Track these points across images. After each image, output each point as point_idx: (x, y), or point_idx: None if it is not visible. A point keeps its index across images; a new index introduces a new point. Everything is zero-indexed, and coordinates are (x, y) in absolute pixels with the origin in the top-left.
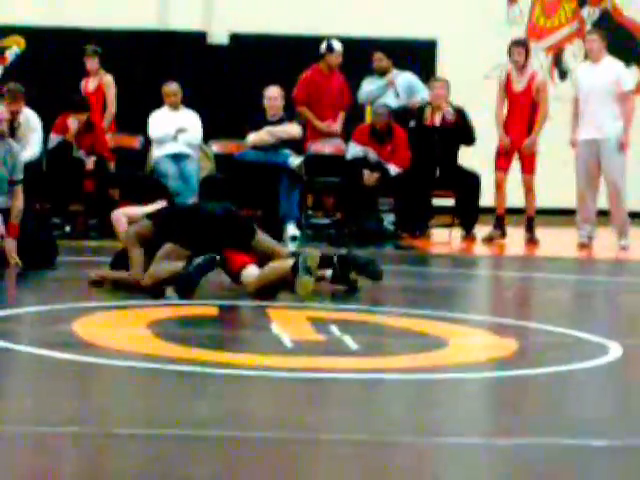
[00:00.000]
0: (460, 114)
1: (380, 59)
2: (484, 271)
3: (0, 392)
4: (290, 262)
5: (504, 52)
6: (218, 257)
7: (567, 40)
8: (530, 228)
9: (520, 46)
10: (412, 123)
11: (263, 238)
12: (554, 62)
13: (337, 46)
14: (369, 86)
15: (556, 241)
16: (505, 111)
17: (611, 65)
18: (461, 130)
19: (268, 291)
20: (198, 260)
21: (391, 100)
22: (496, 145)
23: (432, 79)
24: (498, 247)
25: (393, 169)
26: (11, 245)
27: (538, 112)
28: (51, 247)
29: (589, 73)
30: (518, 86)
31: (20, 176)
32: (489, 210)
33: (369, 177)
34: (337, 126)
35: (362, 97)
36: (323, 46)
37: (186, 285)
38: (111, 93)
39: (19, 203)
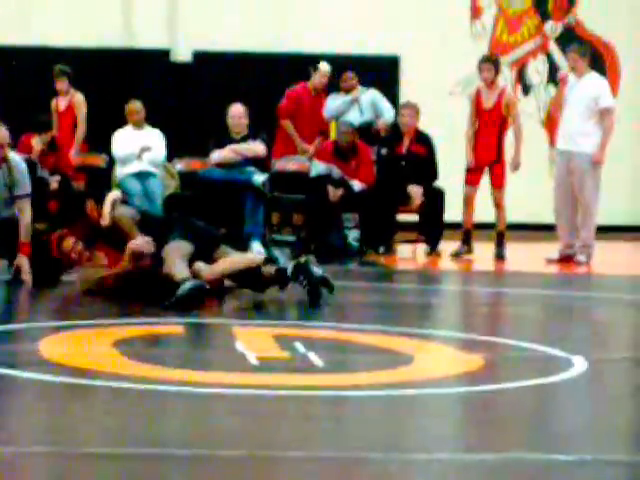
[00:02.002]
0: (427, 147)
1: (351, 78)
2: (450, 287)
3: None
4: (258, 257)
5: (468, 68)
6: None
7: (530, 55)
8: (500, 243)
9: (489, 63)
10: (384, 151)
11: (224, 249)
12: (517, 77)
13: (322, 67)
14: (334, 102)
15: (525, 256)
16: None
17: (592, 81)
18: (427, 163)
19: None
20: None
21: (355, 117)
22: (464, 161)
23: (401, 104)
24: (464, 263)
25: (357, 185)
26: (24, 262)
27: (507, 128)
28: (57, 265)
29: (572, 87)
30: (488, 103)
31: (23, 191)
32: (455, 225)
33: (333, 193)
34: (312, 149)
35: (327, 113)
36: (311, 68)
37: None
38: (82, 112)
39: (26, 218)
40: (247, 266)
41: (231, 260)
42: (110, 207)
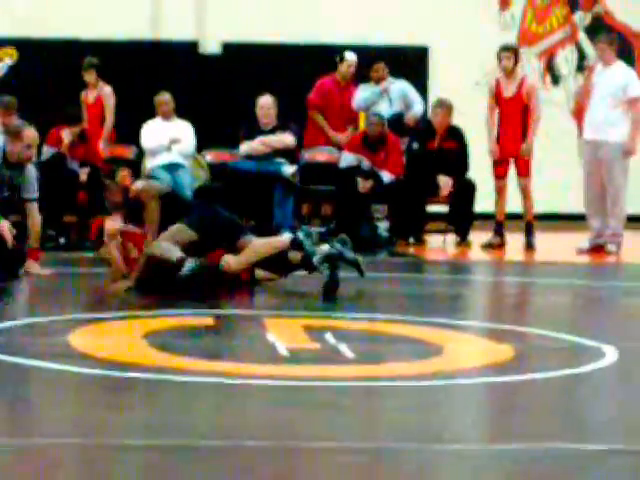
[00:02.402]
0: (459, 141)
1: (382, 69)
2: (480, 277)
3: None
4: (286, 238)
5: (496, 58)
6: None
7: (559, 45)
8: (529, 233)
9: (509, 51)
10: (415, 145)
11: (248, 238)
12: (546, 67)
13: (349, 57)
14: (364, 93)
15: (555, 246)
16: (497, 117)
17: (620, 70)
18: (458, 156)
19: (263, 265)
20: (188, 268)
21: (384, 108)
22: (489, 150)
23: (434, 103)
24: (494, 253)
25: (386, 176)
26: (35, 269)
27: (530, 116)
28: (17, 258)
29: (600, 76)
30: (508, 92)
31: (31, 194)
32: (485, 216)
33: (363, 185)
34: (344, 138)
35: (357, 104)
36: (337, 57)
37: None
38: (110, 104)
39: (35, 223)
40: (275, 250)
41: (258, 246)
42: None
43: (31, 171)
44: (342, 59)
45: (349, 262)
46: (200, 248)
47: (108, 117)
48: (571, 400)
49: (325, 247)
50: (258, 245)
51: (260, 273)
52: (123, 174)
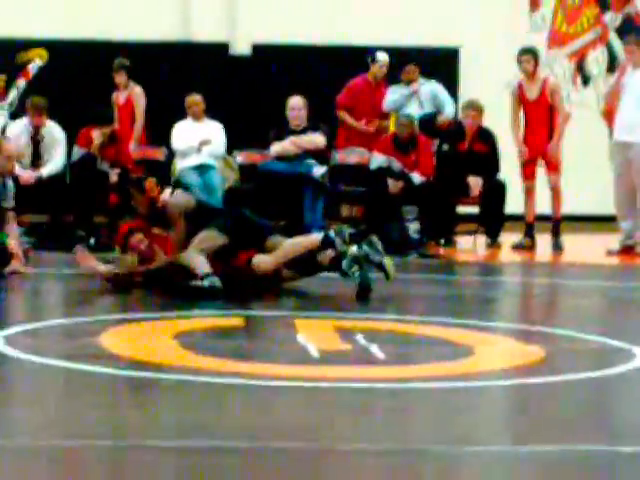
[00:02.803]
0: (490, 143)
1: (413, 71)
2: (510, 278)
3: (28, 405)
4: (318, 236)
5: None
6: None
7: (590, 46)
8: (556, 232)
9: (528, 54)
10: (445, 147)
11: (276, 239)
12: (577, 68)
13: (380, 57)
14: (394, 95)
15: (585, 247)
16: (523, 120)
17: None
18: (488, 157)
19: (291, 264)
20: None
21: (415, 109)
22: (518, 151)
23: (464, 104)
24: (525, 254)
25: (417, 178)
26: (21, 268)
27: (556, 116)
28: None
29: (630, 77)
30: (531, 94)
31: (10, 204)
32: (515, 217)
33: (393, 186)
34: (372, 129)
35: (387, 105)
36: (369, 58)
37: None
38: (140, 106)
39: (14, 230)
40: (305, 249)
41: (288, 246)
42: (169, 193)
43: (11, 182)
44: (374, 60)
45: (375, 265)
46: (230, 250)
47: (138, 118)
48: (601, 402)
49: (353, 249)
50: (289, 245)
51: (286, 272)
52: (149, 185)
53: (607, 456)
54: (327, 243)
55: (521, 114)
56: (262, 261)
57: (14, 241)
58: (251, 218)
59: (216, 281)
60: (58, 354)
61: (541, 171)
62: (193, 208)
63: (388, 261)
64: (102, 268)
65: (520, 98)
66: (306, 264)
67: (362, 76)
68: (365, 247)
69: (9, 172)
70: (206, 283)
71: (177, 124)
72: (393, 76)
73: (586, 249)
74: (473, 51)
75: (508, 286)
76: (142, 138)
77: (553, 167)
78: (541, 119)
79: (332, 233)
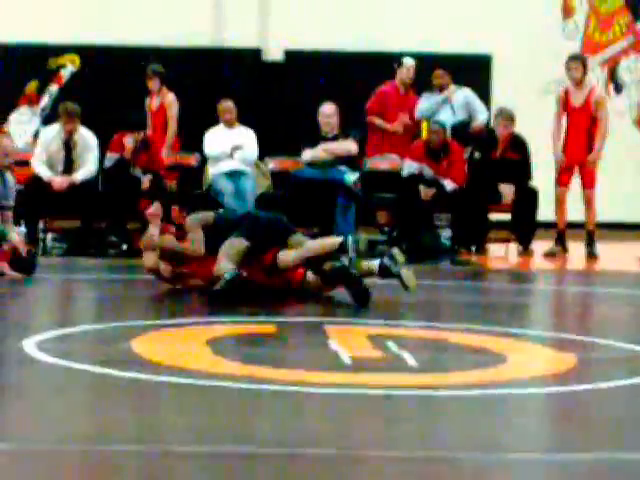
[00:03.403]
0: (522, 151)
1: (442, 76)
2: (542, 286)
3: (60, 411)
4: (338, 239)
5: (560, 67)
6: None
7: (622, 54)
8: (590, 242)
9: (577, 61)
10: (477, 155)
11: (300, 237)
12: (609, 76)
13: (407, 61)
14: (426, 102)
15: (619, 255)
16: (565, 127)
17: None
18: (520, 165)
19: (312, 264)
20: (226, 277)
21: (447, 116)
22: (554, 159)
23: (496, 112)
24: (557, 262)
25: (449, 185)
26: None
27: (597, 127)
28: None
29: None
30: (577, 101)
31: (10, 202)
32: (547, 225)
33: (425, 193)
34: (401, 129)
35: (419, 113)
36: (395, 64)
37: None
38: (173, 111)
39: (12, 227)
40: (325, 250)
41: (311, 244)
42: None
43: (12, 181)
44: (400, 65)
45: (395, 276)
46: (253, 252)
47: (171, 124)
48: (634, 410)
49: (374, 261)
50: (311, 243)
51: (312, 280)
52: (175, 214)
53: (639, 465)
54: (342, 249)
55: (563, 121)
56: (285, 255)
57: (15, 234)
58: (270, 218)
59: (236, 272)
60: (89, 359)
61: (575, 179)
62: (212, 224)
63: (407, 272)
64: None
65: (565, 105)
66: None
67: (390, 83)
68: (386, 260)
69: (4, 167)
70: (227, 276)
71: (210, 130)
72: (426, 83)
73: (619, 257)
74: (506, 58)
75: (540, 293)
76: (175, 144)
77: (588, 182)
78: (582, 127)
79: (350, 239)
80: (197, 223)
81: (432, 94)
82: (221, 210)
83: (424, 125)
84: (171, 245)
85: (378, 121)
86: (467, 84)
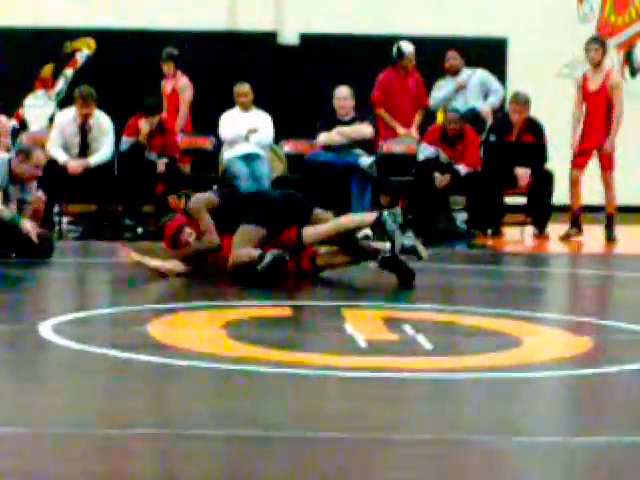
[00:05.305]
0: (538, 135)
1: (454, 58)
2: (559, 269)
3: (76, 394)
4: (372, 214)
5: (575, 50)
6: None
7: (638, 37)
8: (609, 226)
9: (596, 43)
10: (492, 138)
11: (321, 212)
12: (625, 59)
13: (407, 50)
14: (440, 92)
15: (636, 239)
16: (583, 112)
17: None
18: (536, 148)
19: (338, 240)
20: (269, 257)
21: (461, 103)
22: (571, 143)
23: (512, 97)
24: (573, 245)
25: (463, 169)
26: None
27: (613, 111)
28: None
29: None
30: (594, 85)
31: (28, 197)
32: (564, 208)
33: (441, 180)
34: (413, 131)
35: (434, 103)
36: (394, 51)
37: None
38: (185, 95)
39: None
40: (357, 225)
41: (339, 219)
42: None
43: (34, 187)
44: (401, 55)
45: (408, 250)
46: (271, 234)
47: (182, 108)
48: None
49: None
50: (340, 219)
51: (324, 258)
52: (172, 202)
53: None
54: (379, 224)
55: (583, 108)
56: (312, 231)
57: (27, 220)
58: (285, 196)
59: (279, 253)
60: (105, 343)
61: (592, 163)
62: (219, 204)
63: (418, 243)
64: (153, 263)
65: (583, 88)
66: (350, 248)
67: (389, 69)
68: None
69: (33, 178)
70: (268, 257)
71: (225, 113)
72: (438, 67)
73: (636, 240)
74: (521, 41)
75: (556, 277)
76: (189, 127)
77: (607, 165)
78: (600, 111)
79: (386, 214)
80: (201, 206)
81: (446, 82)
82: (217, 187)
83: (440, 111)
84: (189, 251)
85: (388, 120)
86: (482, 67)
